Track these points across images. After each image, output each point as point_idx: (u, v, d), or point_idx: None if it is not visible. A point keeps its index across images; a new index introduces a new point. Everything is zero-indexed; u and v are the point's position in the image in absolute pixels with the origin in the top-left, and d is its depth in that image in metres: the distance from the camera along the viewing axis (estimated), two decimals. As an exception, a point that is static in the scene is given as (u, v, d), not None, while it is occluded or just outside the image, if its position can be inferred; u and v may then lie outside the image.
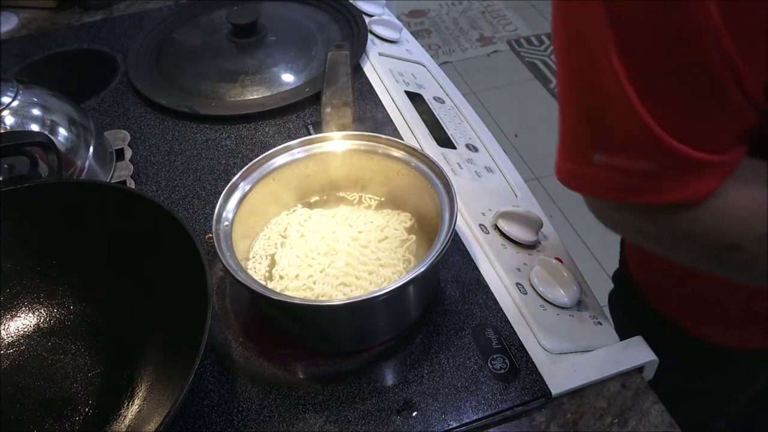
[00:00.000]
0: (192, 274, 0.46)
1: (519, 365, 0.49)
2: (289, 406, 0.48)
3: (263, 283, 0.51)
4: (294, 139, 0.57)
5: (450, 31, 2.56)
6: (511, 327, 0.52)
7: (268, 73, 0.80)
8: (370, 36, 0.86)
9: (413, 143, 0.62)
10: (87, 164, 0.66)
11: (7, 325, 0.53)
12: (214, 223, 0.50)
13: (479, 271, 0.56)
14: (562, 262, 0.57)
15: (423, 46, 0.93)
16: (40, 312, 0.54)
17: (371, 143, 0.57)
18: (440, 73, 0.87)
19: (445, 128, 0.73)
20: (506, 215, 0.60)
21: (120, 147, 0.73)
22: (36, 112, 0.64)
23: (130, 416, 0.47)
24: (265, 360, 0.51)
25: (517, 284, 0.55)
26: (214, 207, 0.51)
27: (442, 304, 0.54)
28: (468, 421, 0.47)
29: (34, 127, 0.63)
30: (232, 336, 0.53)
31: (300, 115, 0.77)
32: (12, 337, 0.52)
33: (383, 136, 0.57)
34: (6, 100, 0.62)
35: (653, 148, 0.37)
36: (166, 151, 0.73)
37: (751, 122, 0.37)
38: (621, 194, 0.41)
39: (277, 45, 0.84)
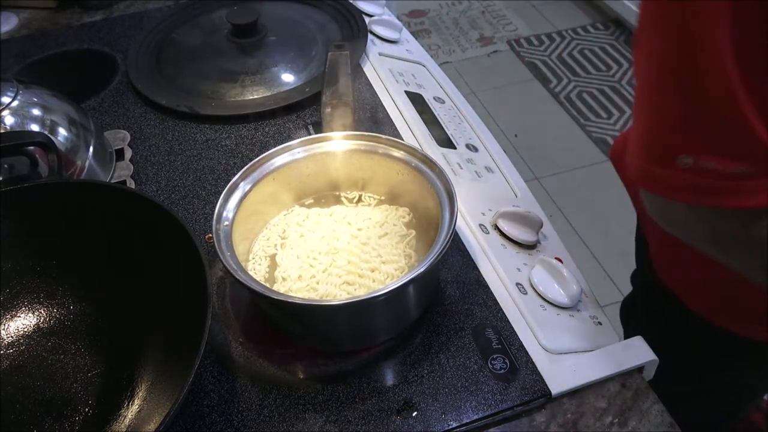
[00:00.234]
0: (192, 274, 0.46)
1: (519, 365, 0.49)
2: (289, 406, 0.48)
3: (265, 284, 0.51)
4: (294, 139, 0.57)
5: (450, 31, 2.56)
6: (511, 327, 0.52)
7: (268, 73, 0.80)
8: (370, 36, 0.86)
9: (413, 143, 0.62)
10: (87, 164, 0.66)
11: (7, 325, 0.53)
12: (214, 223, 0.50)
13: (479, 271, 0.56)
14: (562, 262, 0.57)
15: (423, 46, 0.93)
16: (40, 312, 0.54)
17: (371, 143, 0.57)
18: (440, 73, 0.87)
19: (445, 128, 0.73)
20: (506, 215, 0.60)
21: (120, 147, 0.73)
22: (36, 112, 0.64)
23: (130, 416, 0.47)
24: (265, 360, 0.51)
25: (517, 284, 0.55)
26: (214, 207, 0.51)
27: (442, 304, 0.54)
28: (468, 421, 0.47)
29: (34, 127, 0.63)
30: (232, 336, 0.53)
31: (300, 115, 0.77)
32: (12, 337, 0.52)
33: (383, 136, 0.57)
34: (6, 100, 0.62)
35: (755, 149, 0.36)
36: (166, 151, 0.73)
37: None
38: (707, 198, 0.40)
39: (277, 45, 0.84)
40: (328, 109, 0.66)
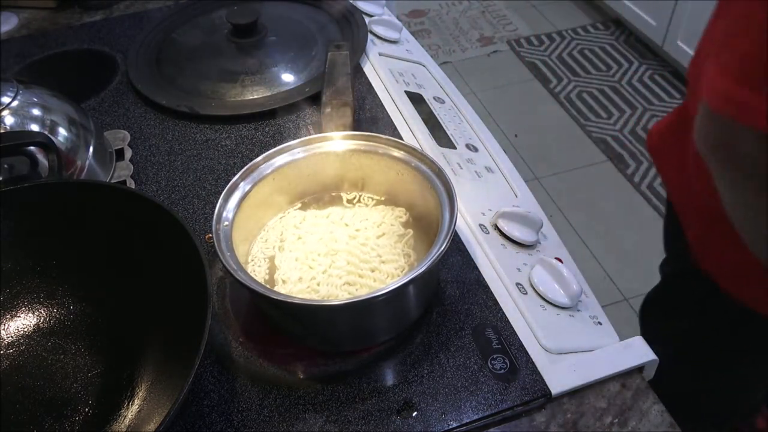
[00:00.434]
0: (192, 274, 0.46)
1: (519, 365, 0.49)
2: (289, 406, 0.48)
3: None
4: (294, 139, 0.57)
5: (450, 31, 2.56)
6: (511, 327, 0.52)
7: (268, 73, 0.80)
8: (370, 36, 0.86)
9: (413, 143, 0.62)
10: (87, 164, 0.66)
11: (7, 325, 0.53)
12: (214, 223, 0.50)
13: (479, 271, 0.56)
14: (562, 262, 0.57)
15: (423, 46, 0.93)
16: (40, 312, 0.54)
17: (371, 143, 0.57)
18: (440, 73, 0.87)
19: (445, 128, 0.73)
20: (506, 215, 0.60)
21: (120, 147, 0.73)
22: (36, 112, 0.64)
23: (130, 416, 0.47)
24: (265, 360, 0.51)
25: (517, 284, 0.55)
26: (214, 207, 0.51)
27: (442, 304, 0.54)
28: (468, 421, 0.47)
29: (34, 127, 0.63)
30: (232, 336, 0.53)
31: (300, 115, 0.77)
32: (12, 337, 0.52)
33: (383, 136, 0.57)
34: (6, 100, 0.62)
35: None
36: (166, 151, 0.73)
37: None
38: None
39: (277, 45, 0.84)
40: (328, 109, 0.66)
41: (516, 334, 0.51)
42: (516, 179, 0.69)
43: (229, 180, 0.53)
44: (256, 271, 0.54)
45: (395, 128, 0.72)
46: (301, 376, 0.50)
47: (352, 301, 0.46)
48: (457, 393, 0.48)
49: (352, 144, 0.58)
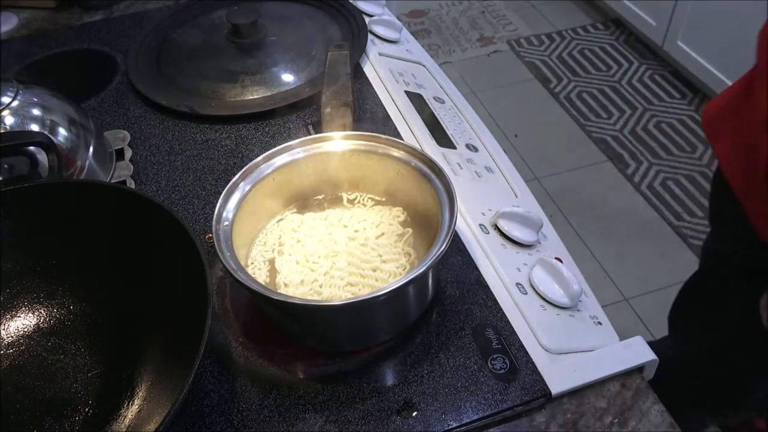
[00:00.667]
0: (192, 274, 0.46)
1: (519, 365, 0.49)
2: (289, 406, 0.48)
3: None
4: (294, 139, 0.57)
5: (450, 31, 2.56)
6: (511, 327, 0.52)
7: (268, 73, 0.80)
8: (370, 36, 0.86)
9: (413, 143, 0.62)
10: (87, 164, 0.66)
11: (7, 325, 0.53)
12: (214, 223, 0.50)
13: (479, 271, 0.56)
14: (562, 262, 0.57)
15: (423, 46, 0.93)
16: (40, 312, 0.54)
17: (371, 143, 0.57)
18: (440, 73, 0.87)
19: (445, 128, 0.73)
20: (506, 215, 0.60)
21: (120, 147, 0.73)
22: (36, 112, 0.64)
23: (130, 416, 0.47)
24: (265, 360, 0.51)
25: (517, 284, 0.55)
26: (214, 207, 0.51)
27: (442, 304, 0.54)
28: (468, 421, 0.47)
29: (34, 127, 0.63)
30: (232, 336, 0.53)
31: (300, 115, 0.77)
32: (12, 337, 0.52)
33: (383, 136, 0.57)
34: (6, 100, 0.62)
35: None
36: (166, 151, 0.73)
37: None
38: None
39: (277, 45, 0.84)
40: (328, 109, 0.66)
41: (516, 334, 0.51)
42: (516, 179, 0.69)
43: (229, 180, 0.53)
44: (257, 274, 0.54)
45: (395, 128, 0.72)
46: (301, 376, 0.50)
47: (352, 301, 0.46)
48: (457, 393, 0.48)
49: (352, 144, 0.58)
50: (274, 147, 0.56)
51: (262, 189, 0.55)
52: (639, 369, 0.51)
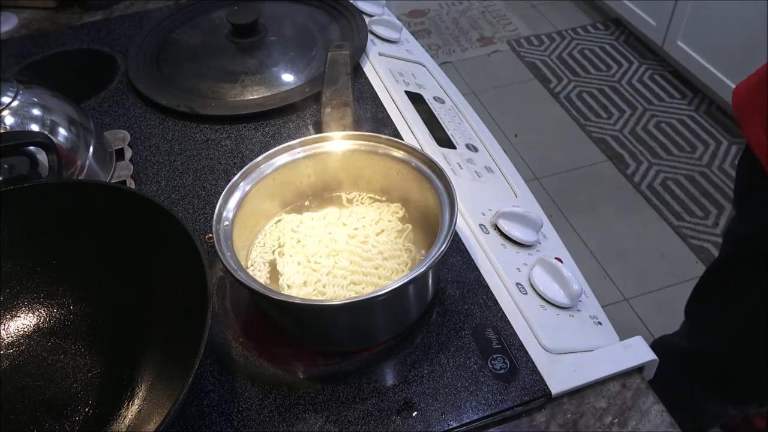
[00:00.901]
0: (192, 274, 0.46)
1: (519, 365, 0.49)
2: (289, 406, 0.48)
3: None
4: (294, 139, 0.57)
5: (450, 31, 2.56)
6: (511, 327, 0.52)
7: (268, 73, 0.80)
8: (370, 36, 0.86)
9: (413, 143, 0.62)
10: (87, 164, 0.66)
11: (7, 325, 0.53)
12: (214, 223, 0.50)
13: (479, 271, 0.56)
14: (562, 262, 0.57)
15: (423, 46, 0.93)
16: (40, 312, 0.54)
17: (371, 143, 0.57)
18: (440, 73, 0.87)
19: (445, 128, 0.73)
20: (506, 215, 0.60)
21: (120, 147, 0.73)
22: (36, 112, 0.64)
23: (130, 416, 0.47)
24: (265, 360, 0.51)
25: (517, 284, 0.55)
26: (214, 207, 0.51)
27: (442, 304, 0.54)
28: (468, 421, 0.47)
29: (34, 127, 0.63)
30: (232, 336, 0.53)
31: (300, 115, 0.77)
32: (12, 337, 0.52)
33: (383, 136, 0.57)
34: (6, 100, 0.62)
35: None
36: (166, 151, 0.73)
37: None
38: None
39: (277, 45, 0.84)
40: (328, 109, 0.66)
41: (516, 334, 0.51)
42: (516, 179, 0.69)
43: (229, 180, 0.53)
44: (257, 276, 0.54)
45: (395, 128, 0.72)
46: (301, 376, 0.50)
47: (352, 301, 0.46)
48: (457, 393, 0.48)
49: (352, 144, 0.58)
50: (274, 147, 0.56)
51: (262, 189, 0.55)
52: (639, 369, 0.51)
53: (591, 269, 1.62)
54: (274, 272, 0.54)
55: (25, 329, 0.53)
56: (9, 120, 0.62)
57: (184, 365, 0.41)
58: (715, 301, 0.91)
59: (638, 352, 0.51)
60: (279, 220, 0.58)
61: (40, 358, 0.52)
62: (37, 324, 0.53)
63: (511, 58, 2.38)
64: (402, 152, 0.56)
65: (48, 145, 0.58)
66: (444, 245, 0.46)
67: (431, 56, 0.91)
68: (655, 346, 1.10)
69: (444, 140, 0.71)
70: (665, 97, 2.12)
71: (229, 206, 0.52)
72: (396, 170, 0.57)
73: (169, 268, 0.49)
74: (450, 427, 0.46)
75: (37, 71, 0.88)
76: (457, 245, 0.59)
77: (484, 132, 0.76)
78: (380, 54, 0.84)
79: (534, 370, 0.49)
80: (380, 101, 0.76)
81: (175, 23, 0.92)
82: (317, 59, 0.82)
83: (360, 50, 0.82)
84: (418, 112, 0.74)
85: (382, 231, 0.56)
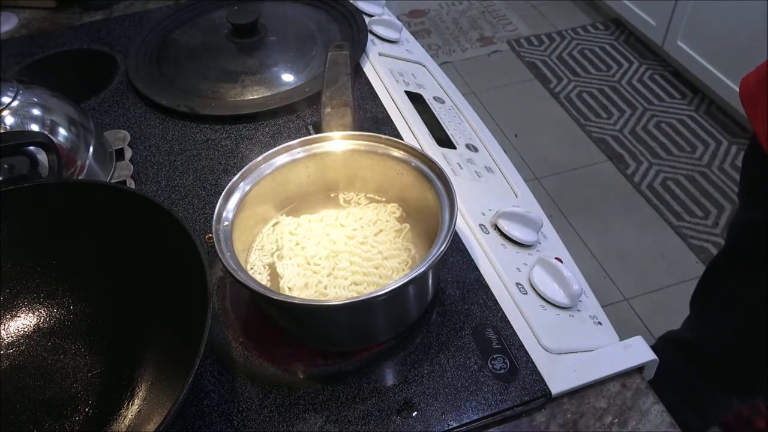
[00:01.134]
0: (192, 274, 0.46)
1: (519, 365, 0.49)
2: (289, 406, 0.48)
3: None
4: (294, 139, 0.57)
5: (450, 31, 2.56)
6: (511, 327, 0.52)
7: (268, 73, 0.80)
8: (370, 36, 0.86)
9: (413, 143, 0.62)
10: (87, 164, 0.66)
11: (7, 325, 0.53)
12: (214, 223, 0.50)
13: (479, 271, 0.56)
14: (562, 262, 0.57)
15: (423, 46, 0.93)
16: (40, 312, 0.54)
17: (371, 143, 0.57)
18: (440, 73, 0.87)
19: (445, 128, 0.73)
20: (506, 215, 0.60)
21: (120, 147, 0.73)
22: (36, 112, 0.64)
23: (130, 416, 0.47)
24: (265, 360, 0.51)
25: (517, 284, 0.55)
26: (214, 207, 0.51)
27: (442, 304, 0.54)
28: (468, 421, 0.47)
29: (34, 127, 0.63)
30: (232, 336, 0.53)
31: (300, 115, 0.77)
32: (12, 337, 0.52)
33: (383, 136, 0.57)
34: (6, 100, 0.62)
35: None
36: (166, 151, 0.73)
37: None
38: None
39: (277, 45, 0.84)
40: (328, 109, 0.66)
41: (516, 334, 0.51)
42: (516, 179, 0.69)
43: (229, 180, 0.53)
44: (258, 280, 0.53)
45: (395, 128, 0.72)
46: (301, 376, 0.50)
47: (352, 301, 0.46)
48: (457, 393, 0.48)
49: (352, 144, 0.58)
50: (274, 147, 0.56)
51: (262, 189, 0.55)
52: (639, 369, 0.51)
53: (591, 269, 1.62)
54: (273, 276, 0.54)
55: (25, 329, 0.53)
56: (9, 120, 0.62)
57: (184, 365, 0.41)
58: (719, 292, 0.91)
59: (638, 352, 0.51)
60: (276, 223, 0.58)
61: (40, 358, 0.52)
62: (37, 324, 0.53)
63: (511, 58, 2.38)
64: (402, 152, 0.56)
65: (48, 145, 0.58)
66: (444, 245, 0.46)
67: (431, 56, 0.91)
68: (660, 339, 1.10)
69: (444, 140, 0.71)
70: (665, 97, 2.12)
71: (228, 206, 0.52)
72: (396, 170, 0.57)
73: (169, 268, 0.49)
74: (450, 427, 0.46)
75: (37, 71, 0.88)
76: (457, 245, 0.59)
77: (484, 132, 0.76)
78: (380, 54, 0.84)
79: (534, 370, 0.49)
80: (380, 101, 0.76)
81: (175, 23, 0.92)
82: (317, 59, 0.82)
83: (360, 50, 0.82)
84: (418, 112, 0.74)
85: (381, 231, 0.56)
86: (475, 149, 0.72)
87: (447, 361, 0.50)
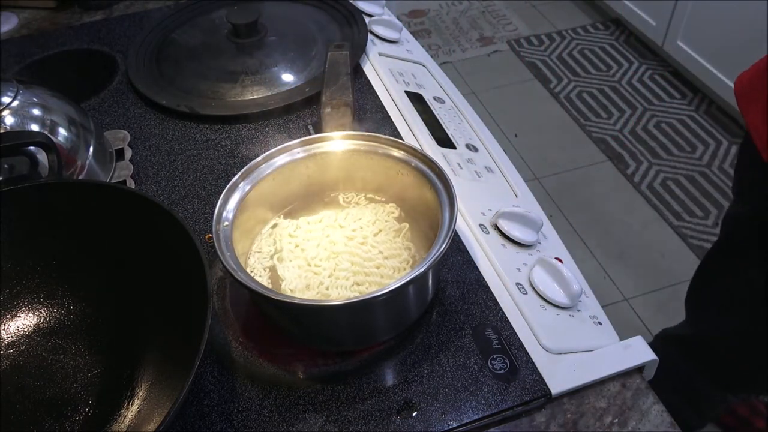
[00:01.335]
0: (192, 274, 0.46)
1: (519, 365, 0.49)
2: (289, 406, 0.48)
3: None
4: (294, 139, 0.57)
5: (450, 31, 2.56)
6: (511, 327, 0.52)
7: (268, 73, 0.80)
8: (370, 36, 0.86)
9: (413, 143, 0.62)
10: (87, 164, 0.66)
11: (7, 325, 0.53)
12: (214, 223, 0.50)
13: (479, 271, 0.56)
14: (562, 262, 0.57)
15: (423, 46, 0.93)
16: (40, 312, 0.54)
17: (371, 143, 0.57)
18: (440, 73, 0.87)
19: (445, 128, 0.73)
20: (506, 215, 0.60)
21: (120, 147, 0.73)
22: (36, 112, 0.64)
23: (130, 416, 0.47)
24: (265, 360, 0.51)
25: (517, 284, 0.55)
26: (214, 207, 0.51)
27: (442, 304, 0.54)
28: (468, 421, 0.47)
29: (34, 127, 0.63)
30: (232, 336, 0.53)
31: (300, 115, 0.77)
32: (12, 337, 0.52)
33: (383, 136, 0.57)
34: (6, 100, 0.62)
35: None
36: (166, 151, 0.73)
37: None
38: None
39: (277, 45, 0.84)
40: (328, 109, 0.66)
41: (516, 334, 0.51)
42: (516, 179, 0.69)
43: (229, 180, 0.53)
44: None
45: (395, 128, 0.72)
46: (301, 376, 0.50)
47: (352, 301, 0.46)
48: (457, 393, 0.48)
49: (352, 144, 0.58)
50: (274, 147, 0.56)
51: (262, 189, 0.55)
52: (639, 369, 0.51)
53: (591, 269, 1.62)
54: (274, 278, 0.53)
55: (25, 329, 0.53)
56: (9, 120, 0.62)
57: (184, 365, 0.41)
58: (713, 286, 0.92)
59: (638, 352, 0.51)
60: (275, 225, 0.58)
61: (40, 358, 0.52)
62: (37, 324, 0.53)
63: (511, 58, 2.38)
64: (402, 152, 0.56)
65: (48, 145, 0.58)
66: (444, 245, 0.46)
67: (431, 56, 0.91)
68: (657, 337, 1.10)
69: (444, 140, 0.71)
70: (665, 97, 2.12)
71: (228, 206, 0.52)
72: (396, 170, 0.57)
73: (169, 268, 0.49)
74: (450, 427, 0.46)
75: (37, 71, 0.88)
76: (457, 245, 0.59)
77: (484, 132, 0.76)
78: (380, 54, 0.84)
79: (534, 370, 0.49)
80: (380, 101, 0.76)
81: (175, 23, 0.92)
82: (317, 59, 0.82)
83: (360, 50, 0.82)
84: (418, 112, 0.74)
85: (380, 231, 0.56)
86: (475, 149, 0.72)
87: (447, 361, 0.50)
